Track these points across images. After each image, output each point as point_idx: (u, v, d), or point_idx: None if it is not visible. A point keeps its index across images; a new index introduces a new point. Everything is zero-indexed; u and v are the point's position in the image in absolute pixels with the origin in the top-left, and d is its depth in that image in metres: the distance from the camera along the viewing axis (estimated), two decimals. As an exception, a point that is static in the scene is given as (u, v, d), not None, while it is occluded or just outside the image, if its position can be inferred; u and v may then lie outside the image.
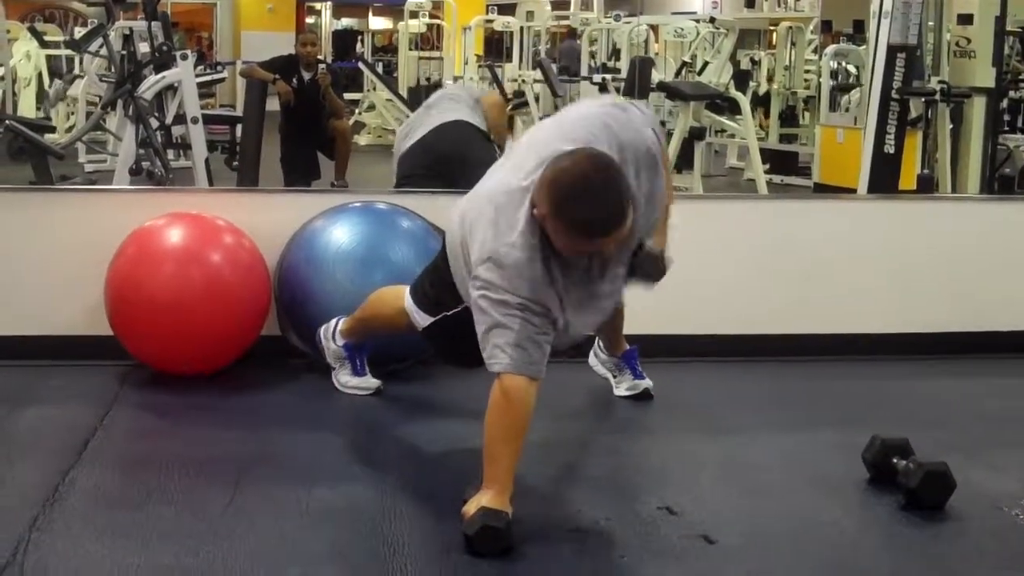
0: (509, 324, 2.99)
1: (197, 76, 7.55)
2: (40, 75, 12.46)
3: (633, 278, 3.35)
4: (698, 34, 10.85)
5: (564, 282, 3.04)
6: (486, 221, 3.06)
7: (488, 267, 3.01)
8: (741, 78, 11.58)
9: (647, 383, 4.15)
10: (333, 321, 4.10)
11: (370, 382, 4.10)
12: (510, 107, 12.25)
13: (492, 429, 3.05)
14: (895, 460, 3.32)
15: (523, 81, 12.33)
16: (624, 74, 10.12)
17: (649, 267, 3.33)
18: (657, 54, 11.76)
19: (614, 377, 4.21)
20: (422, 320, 3.58)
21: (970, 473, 3.39)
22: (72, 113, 11.70)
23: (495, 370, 3.03)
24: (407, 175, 5.58)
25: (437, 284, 3.49)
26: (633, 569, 2.94)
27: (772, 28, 13.31)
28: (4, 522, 3.00)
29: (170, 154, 7.83)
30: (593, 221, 2.89)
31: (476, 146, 5.63)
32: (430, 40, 15.06)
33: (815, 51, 12.20)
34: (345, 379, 4.12)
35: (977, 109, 7.16)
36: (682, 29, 10.72)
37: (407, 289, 3.67)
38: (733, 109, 9.99)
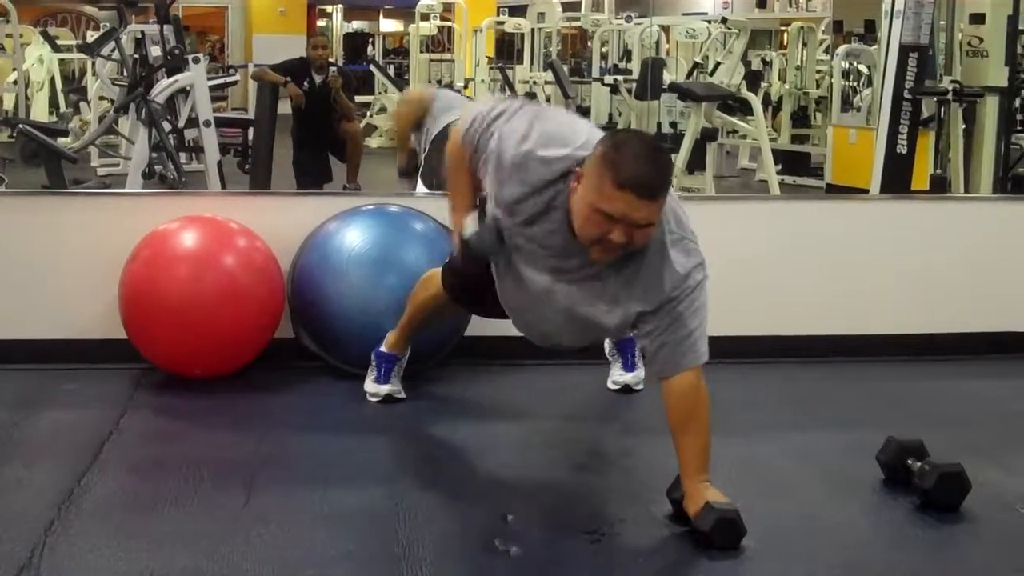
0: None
1: (209, 79, 7.56)
2: (53, 79, 12.50)
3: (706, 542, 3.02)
4: (710, 35, 10.84)
5: (541, 237, 3.12)
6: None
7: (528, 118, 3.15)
8: (753, 79, 11.56)
9: (630, 378, 4.19)
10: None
11: (381, 389, 4.07)
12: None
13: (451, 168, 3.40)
14: (910, 461, 3.31)
15: (534, 83, 12.34)
16: (636, 75, 10.12)
17: (723, 536, 2.97)
18: (669, 55, 11.76)
19: (611, 365, 4.23)
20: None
21: (985, 474, 3.38)
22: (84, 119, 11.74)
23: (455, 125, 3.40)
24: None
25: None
26: (651, 571, 2.93)
27: (784, 28, 13.31)
28: (20, 525, 3.01)
29: (182, 157, 7.85)
30: (634, 171, 2.88)
31: None
32: (441, 42, 15.06)
33: (827, 51, 12.18)
34: (366, 385, 4.11)
35: (990, 109, 7.14)
36: (694, 30, 10.72)
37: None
38: (745, 110, 9.98)
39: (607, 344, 4.25)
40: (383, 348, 4.06)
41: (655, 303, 3.05)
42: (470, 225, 3.33)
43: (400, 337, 4.03)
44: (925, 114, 7.31)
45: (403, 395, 4.08)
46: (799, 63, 11.73)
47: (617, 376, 4.21)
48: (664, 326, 3.05)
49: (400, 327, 4.01)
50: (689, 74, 11.00)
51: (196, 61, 7.19)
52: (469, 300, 3.71)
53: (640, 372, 4.18)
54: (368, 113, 13.38)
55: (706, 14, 14.07)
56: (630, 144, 2.95)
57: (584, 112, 11.28)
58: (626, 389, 4.20)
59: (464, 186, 3.39)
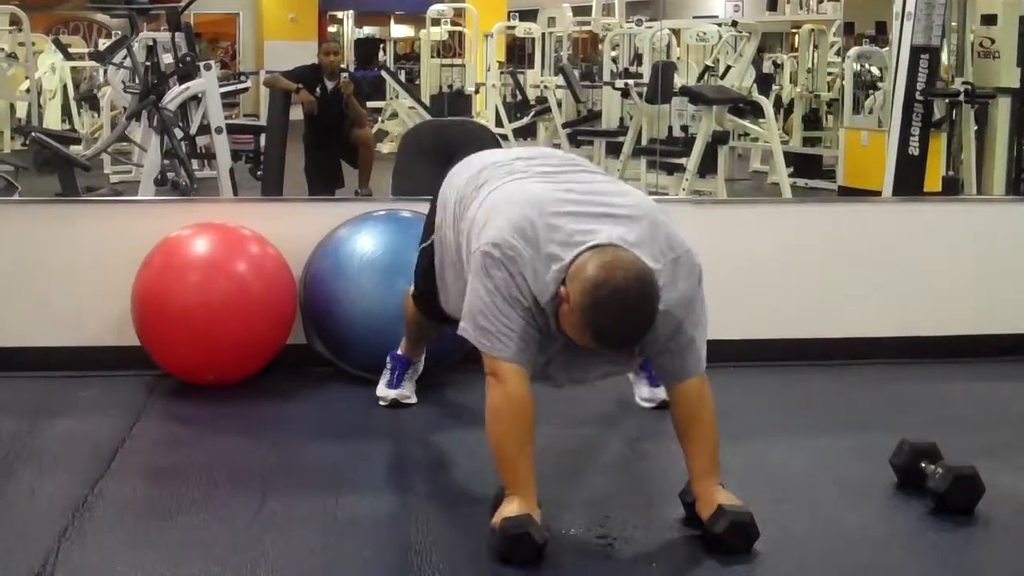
0: (510, 315, 2.94)
1: (220, 86, 7.57)
2: (65, 87, 12.53)
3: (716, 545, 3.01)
4: (720, 38, 10.82)
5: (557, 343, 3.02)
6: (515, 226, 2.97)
7: (503, 256, 2.93)
8: (764, 81, 11.54)
9: (662, 394, 4.10)
10: None
11: (389, 393, 4.08)
12: (532, 113, 12.31)
13: (501, 434, 3.00)
14: (923, 464, 3.31)
15: (545, 87, 12.33)
16: (647, 79, 10.11)
17: (736, 539, 2.96)
18: (679, 58, 11.74)
19: (634, 383, 4.20)
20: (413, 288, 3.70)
21: (999, 477, 3.36)
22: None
23: (496, 355, 2.95)
24: (410, 152, 5.50)
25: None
26: (662, 576, 2.93)
27: (794, 31, 13.27)
28: (34, 533, 3.02)
29: (195, 164, 7.85)
30: (611, 336, 2.86)
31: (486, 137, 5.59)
32: (452, 47, 15.05)
33: (838, 53, 12.15)
34: (377, 387, 4.12)
35: (1002, 110, 7.11)
36: (704, 33, 10.69)
37: None
38: (756, 113, 9.96)
39: None
40: (398, 350, 4.07)
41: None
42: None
43: (408, 342, 4.04)
44: (937, 115, 7.29)
45: (413, 400, 4.08)
46: (810, 66, 11.70)
47: (647, 393, 4.14)
48: (665, 336, 3.04)
49: (407, 339, 4.04)
50: (700, 77, 10.99)
51: (208, 68, 7.18)
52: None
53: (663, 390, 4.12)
54: (379, 119, 13.38)
55: (717, 17, 14.02)
56: (611, 300, 2.80)
57: (595, 116, 11.28)
58: (663, 405, 4.09)
59: (529, 452, 3.01)
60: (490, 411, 3.00)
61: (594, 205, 3.04)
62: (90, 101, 12.51)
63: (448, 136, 5.50)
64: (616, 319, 2.83)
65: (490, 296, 2.96)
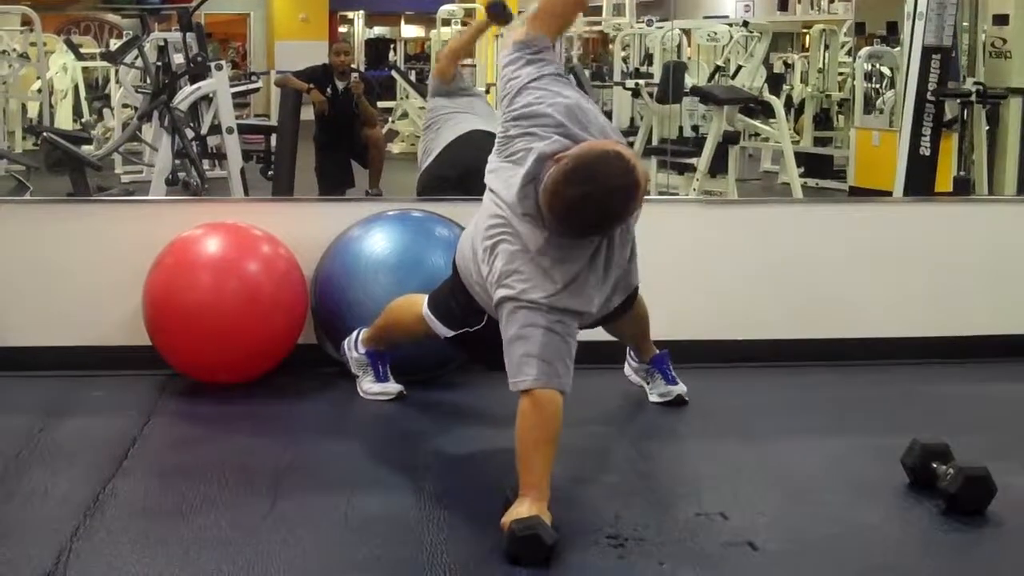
0: (532, 336, 3.07)
1: (231, 86, 7.59)
2: (76, 87, 12.57)
3: None
4: (731, 38, 10.83)
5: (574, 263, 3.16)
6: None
7: (511, 271, 3.12)
8: (775, 81, 11.54)
9: (680, 389, 4.13)
10: (355, 332, 4.15)
11: (391, 388, 4.12)
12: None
13: (524, 439, 3.09)
14: (935, 465, 3.30)
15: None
16: (657, 79, 10.11)
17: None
18: (690, 58, 11.74)
19: (647, 384, 4.19)
20: (444, 332, 3.65)
21: (1011, 477, 3.35)
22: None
23: (521, 388, 3.09)
24: (433, 187, 5.56)
25: (459, 300, 3.54)
26: (672, 576, 2.93)
27: (805, 31, 13.27)
28: (46, 532, 3.03)
29: (206, 164, 7.88)
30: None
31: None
32: (462, 47, 15.05)
33: (849, 53, 12.14)
34: (368, 386, 4.14)
35: (1013, 110, 7.10)
36: (715, 33, 10.70)
37: (425, 298, 3.72)
38: (767, 113, 9.96)
39: (635, 366, 4.23)
40: (372, 348, 4.11)
41: None
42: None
43: (377, 341, 4.08)
44: (948, 116, 7.28)
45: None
46: (821, 65, 11.70)
47: (663, 389, 4.14)
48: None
49: (374, 336, 4.07)
50: (711, 77, 10.98)
51: (219, 68, 7.21)
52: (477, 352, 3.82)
53: (683, 385, 4.14)
54: (390, 119, 13.39)
55: (727, 17, 14.01)
56: (581, 208, 3.04)
57: (606, 116, 11.28)
58: (679, 400, 4.11)
59: (546, 454, 3.10)
60: (518, 416, 3.11)
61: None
62: (103, 100, 12.55)
63: (467, 161, 5.55)
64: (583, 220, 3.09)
65: (511, 328, 3.12)
